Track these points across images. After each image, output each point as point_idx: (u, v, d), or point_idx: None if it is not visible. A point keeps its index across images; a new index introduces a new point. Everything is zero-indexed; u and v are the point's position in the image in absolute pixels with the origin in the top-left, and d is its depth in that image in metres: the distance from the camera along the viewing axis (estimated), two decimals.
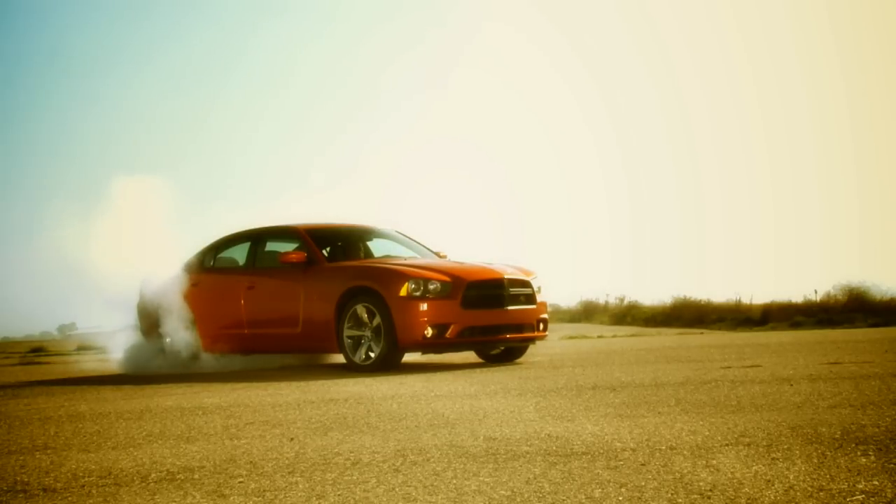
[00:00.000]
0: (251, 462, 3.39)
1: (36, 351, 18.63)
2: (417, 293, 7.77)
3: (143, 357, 9.72)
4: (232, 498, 2.79)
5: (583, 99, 47.56)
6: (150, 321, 9.82)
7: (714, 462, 3.01)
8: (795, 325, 18.45)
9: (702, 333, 17.37)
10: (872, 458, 2.99)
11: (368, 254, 9.38)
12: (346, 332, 8.04)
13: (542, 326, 8.55)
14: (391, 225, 10.08)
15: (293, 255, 8.60)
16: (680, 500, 2.52)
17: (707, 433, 3.60)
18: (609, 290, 30.03)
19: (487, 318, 8.06)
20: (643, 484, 2.73)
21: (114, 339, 10.33)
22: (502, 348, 8.77)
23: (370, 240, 9.68)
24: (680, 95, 44.51)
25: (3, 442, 4.31)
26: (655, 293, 31.67)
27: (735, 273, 40.27)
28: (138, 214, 10.01)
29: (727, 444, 3.33)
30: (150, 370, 9.30)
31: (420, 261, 8.77)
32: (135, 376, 8.88)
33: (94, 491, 2.99)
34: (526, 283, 8.42)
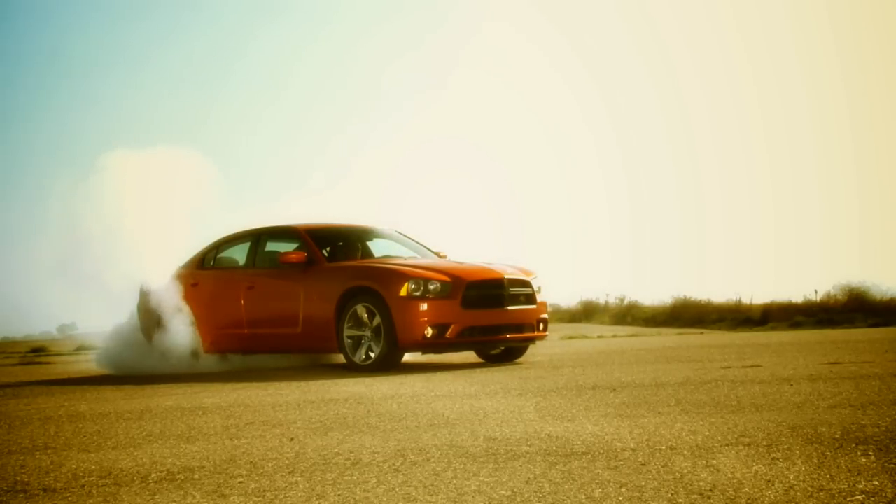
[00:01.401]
0: (251, 462, 3.39)
1: (36, 351, 18.63)
2: (417, 293, 7.77)
3: (140, 357, 9.70)
4: (232, 498, 2.79)
5: (583, 99, 47.56)
6: (150, 321, 9.81)
7: (714, 462, 3.01)
8: (795, 325, 18.46)
9: (702, 333, 17.37)
10: (872, 458, 2.99)
11: (368, 254, 9.38)
12: (346, 332, 8.04)
13: (542, 326, 8.55)
14: (391, 225, 10.09)
15: (293, 255, 8.60)
16: (680, 500, 2.52)
17: (707, 433, 3.60)
18: (609, 290, 30.04)
19: (487, 318, 8.06)
20: (643, 484, 2.73)
21: (113, 340, 10.31)
22: (502, 348, 8.77)
23: (370, 240, 9.69)
24: (680, 95, 44.53)
25: (3, 442, 4.31)
26: (655, 293, 31.71)
27: (735, 273, 40.28)
28: (139, 206, 10.00)
29: (727, 444, 3.33)
30: (147, 371, 9.28)
31: (420, 261, 8.77)
32: (135, 376, 8.87)
33: (94, 491, 2.99)
34: (526, 283, 8.42)
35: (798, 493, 2.54)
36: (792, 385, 5.30)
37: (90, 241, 9.82)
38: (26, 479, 3.26)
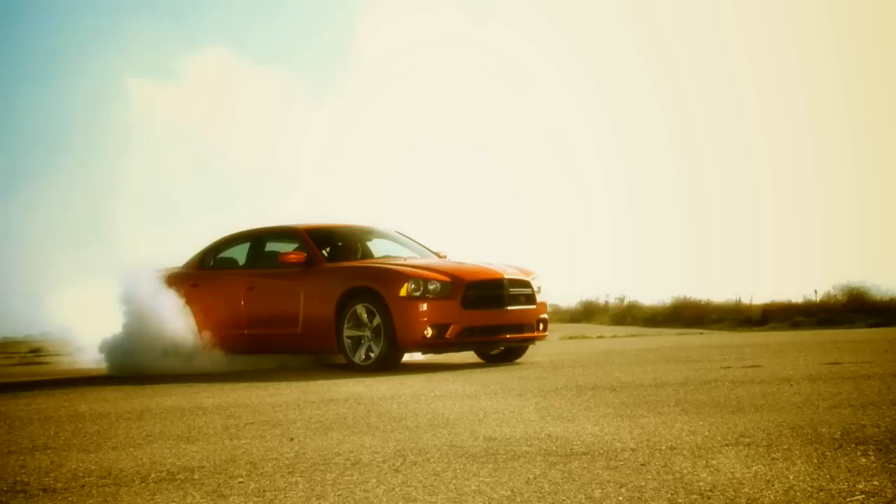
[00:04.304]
0: (251, 462, 3.39)
1: (36, 351, 18.61)
2: (417, 293, 7.77)
3: (139, 357, 9.69)
4: (232, 498, 2.79)
5: (583, 99, 47.41)
6: (149, 321, 9.79)
7: (714, 462, 3.01)
8: (795, 326, 18.47)
9: (702, 333, 17.38)
10: (872, 458, 2.99)
11: (368, 254, 9.38)
12: (346, 333, 8.04)
13: (541, 326, 8.55)
14: (391, 225, 10.09)
15: (293, 256, 8.60)
16: (680, 500, 2.52)
17: (707, 433, 3.60)
18: (609, 290, 30.04)
19: (487, 318, 8.06)
20: (643, 484, 2.73)
21: (114, 340, 10.29)
22: (502, 348, 8.77)
23: (370, 240, 9.69)
24: (680, 95, 44.38)
25: (3, 442, 4.31)
26: (655, 293, 31.72)
27: (735, 273, 40.23)
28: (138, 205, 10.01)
29: (727, 444, 3.33)
30: (147, 371, 9.27)
31: (420, 261, 8.77)
32: (135, 376, 8.86)
33: (94, 491, 2.99)
34: (526, 284, 8.42)
35: (798, 493, 2.54)
36: (792, 385, 5.30)
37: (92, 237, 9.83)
38: (26, 479, 3.26)
